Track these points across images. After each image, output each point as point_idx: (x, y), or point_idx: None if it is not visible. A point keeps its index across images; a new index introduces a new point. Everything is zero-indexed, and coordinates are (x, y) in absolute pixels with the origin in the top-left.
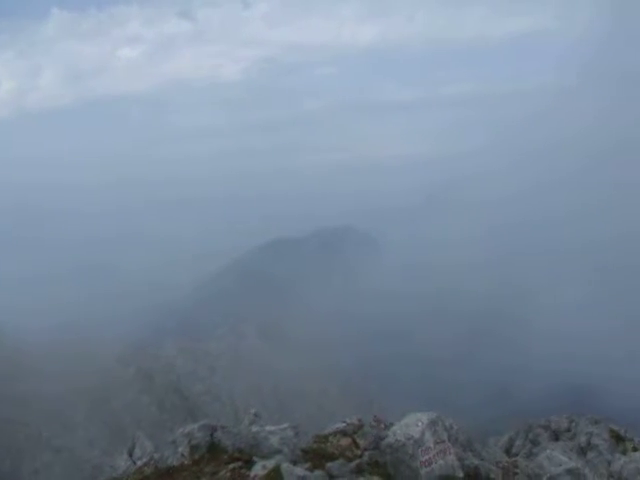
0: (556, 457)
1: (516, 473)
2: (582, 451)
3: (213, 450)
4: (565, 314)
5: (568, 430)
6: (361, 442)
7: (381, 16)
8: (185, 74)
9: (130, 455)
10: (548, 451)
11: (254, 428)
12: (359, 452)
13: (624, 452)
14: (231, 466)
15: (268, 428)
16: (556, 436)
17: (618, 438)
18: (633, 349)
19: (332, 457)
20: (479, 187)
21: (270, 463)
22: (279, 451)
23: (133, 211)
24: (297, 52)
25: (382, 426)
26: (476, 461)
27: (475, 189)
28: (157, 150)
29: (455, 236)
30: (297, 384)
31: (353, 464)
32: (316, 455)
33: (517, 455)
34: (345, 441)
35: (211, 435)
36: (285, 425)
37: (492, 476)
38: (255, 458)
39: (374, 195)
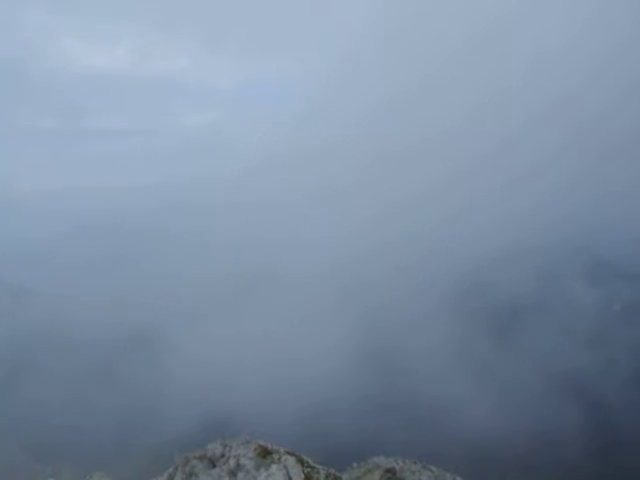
0: None
1: None
2: (233, 474)
3: None
4: (204, 345)
5: (223, 455)
6: None
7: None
8: None
9: None
10: None
11: None
12: None
13: (270, 465)
14: None
15: None
16: (213, 464)
17: (266, 452)
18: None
19: None
20: (130, 220)
21: None
22: None
23: None
24: None
25: None
26: None
27: (126, 222)
28: None
29: (91, 264)
30: None
31: None
32: None
33: None
34: None
35: None
36: None
37: None
38: None
39: (8, 233)
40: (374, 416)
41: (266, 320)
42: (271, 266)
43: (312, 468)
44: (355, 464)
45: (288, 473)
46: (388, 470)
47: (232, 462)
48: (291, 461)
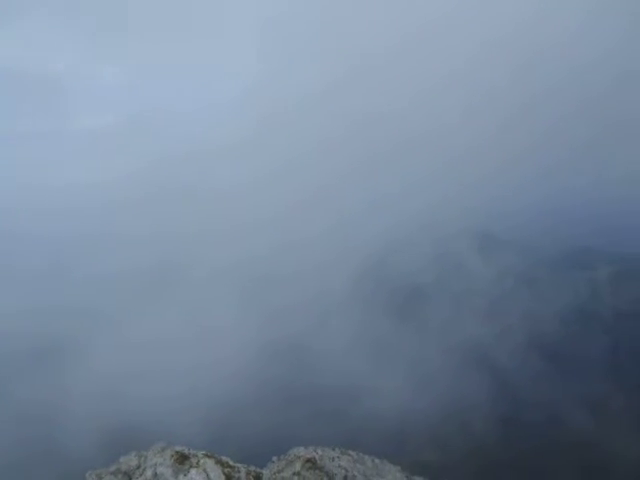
0: None
1: None
2: None
3: None
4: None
5: (138, 467)
6: None
7: None
8: None
9: None
10: None
11: None
12: None
13: (189, 469)
14: None
15: None
16: (129, 477)
17: (184, 458)
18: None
19: None
20: (31, 224)
21: None
22: None
23: None
24: None
25: None
26: None
27: (24, 226)
28: None
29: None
30: None
31: None
32: None
33: None
34: None
35: None
36: None
37: None
38: None
39: None
40: (286, 411)
41: (172, 322)
42: (178, 262)
43: (232, 468)
44: (275, 458)
45: (208, 476)
46: (308, 460)
47: (149, 472)
48: (210, 463)
